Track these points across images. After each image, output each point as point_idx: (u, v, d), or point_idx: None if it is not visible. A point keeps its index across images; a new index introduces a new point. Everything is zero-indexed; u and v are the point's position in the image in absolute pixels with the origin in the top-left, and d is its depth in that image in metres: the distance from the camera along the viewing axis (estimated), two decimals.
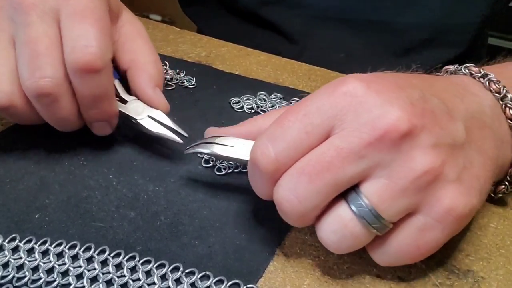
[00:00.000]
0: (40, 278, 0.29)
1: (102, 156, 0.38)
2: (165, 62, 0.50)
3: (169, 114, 0.38)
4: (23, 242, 0.31)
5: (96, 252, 0.31)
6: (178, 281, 0.29)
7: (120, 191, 0.35)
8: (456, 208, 0.27)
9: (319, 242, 0.29)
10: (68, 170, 0.37)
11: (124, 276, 0.29)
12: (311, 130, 0.27)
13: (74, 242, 0.31)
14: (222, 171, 0.38)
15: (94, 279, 0.29)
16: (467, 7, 0.57)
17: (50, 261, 0.30)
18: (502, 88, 0.32)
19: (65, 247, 0.31)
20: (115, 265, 0.30)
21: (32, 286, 0.29)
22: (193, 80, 0.48)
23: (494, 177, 0.32)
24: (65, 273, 0.29)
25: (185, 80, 0.48)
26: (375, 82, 0.28)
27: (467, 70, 0.34)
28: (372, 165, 0.26)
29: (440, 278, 0.31)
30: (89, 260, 0.30)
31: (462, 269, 0.32)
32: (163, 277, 0.30)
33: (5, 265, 0.30)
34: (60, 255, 0.30)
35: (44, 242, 0.31)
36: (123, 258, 0.30)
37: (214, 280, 0.29)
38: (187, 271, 0.30)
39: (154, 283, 0.29)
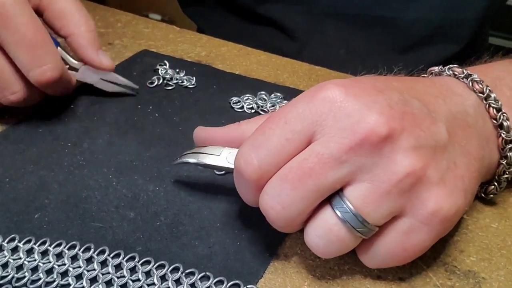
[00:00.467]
0: (40, 279, 0.29)
1: (101, 156, 0.38)
2: (165, 61, 0.50)
3: (119, 74, 0.45)
4: (22, 242, 0.31)
5: (96, 253, 0.30)
6: (178, 281, 0.29)
7: (120, 191, 0.35)
8: (441, 210, 0.27)
9: None
10: (67, 170, 0.37)
11: (124, 276, 0.29)
12: (292, 137, 0.27)
13: (74, 242, 0.31)
14: (222, 172, 0.38)
15: (93, 280, 0.29)
16: (468, 2, 0.57)
17: (50, 262, 0.30)
18: (485, 88, 0.32)
19: (64, 247, 0.31)
20: (114, 266, 0.30)
21: (31, 286, 0.29)
22: (193, 80, 0.48)
23: (481, 177, 0.32)
24: (64, 274, 0.29)
25: (185, 80, 0.48)
26: (353, 87, 0.28)
27: (450, 71, 0.34)
28: (354, 169, 0.26)
29: (441, 279, 0.31)
30: (89, 260, 0.30)
31: (463, 270, 0.31)
32: (163, 278, 0.29)
33: (5, 266, 0.30)
34: (59, 256, 0.30)
35: (44, 242, 0.31)
36: (123, 258, 0.30)
37: (214, 281, 0.29)
38: (187, 271, 0.30)
39: (154, 284, 0.29)
